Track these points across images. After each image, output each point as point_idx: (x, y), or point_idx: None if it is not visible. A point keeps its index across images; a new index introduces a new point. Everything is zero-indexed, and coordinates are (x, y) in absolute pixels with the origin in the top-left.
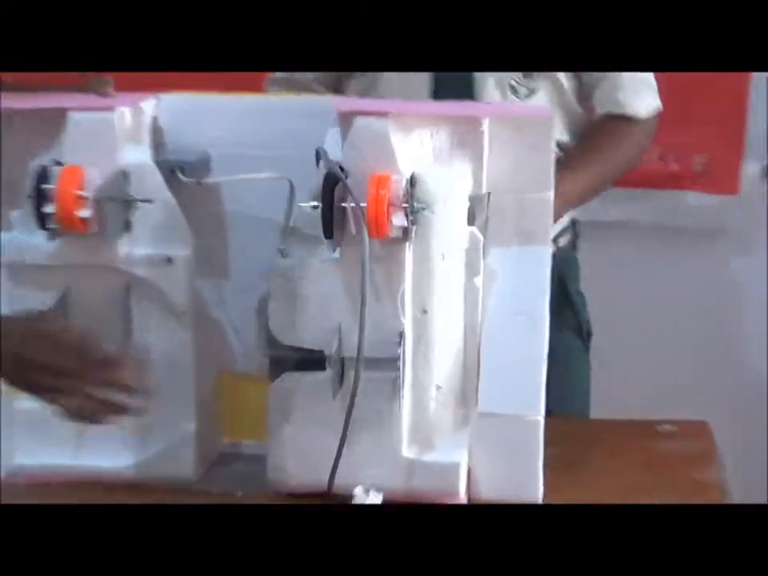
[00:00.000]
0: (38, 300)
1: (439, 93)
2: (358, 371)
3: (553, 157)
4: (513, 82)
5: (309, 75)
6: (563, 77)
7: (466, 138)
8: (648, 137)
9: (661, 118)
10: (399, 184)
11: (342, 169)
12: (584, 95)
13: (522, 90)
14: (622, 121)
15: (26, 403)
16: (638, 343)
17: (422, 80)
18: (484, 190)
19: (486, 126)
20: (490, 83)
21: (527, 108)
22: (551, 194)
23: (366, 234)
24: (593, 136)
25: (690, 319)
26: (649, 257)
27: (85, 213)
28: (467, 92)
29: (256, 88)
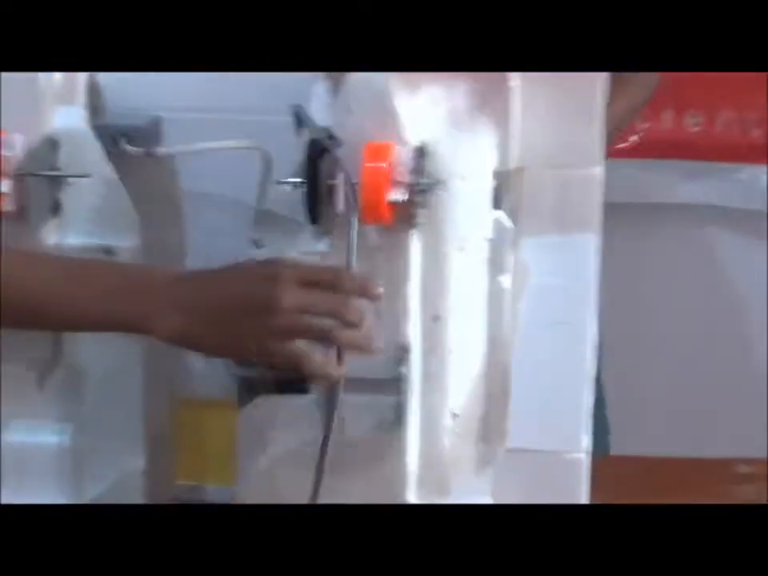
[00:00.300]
0: None
1: None
2: (336, 392)
3: (603, 122)
4: None
5: None
6: None
7: (491, 98)
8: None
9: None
10: (403, 155)
11: (330, 136)
12: None
13: None
14: None
15: None
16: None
17: None
18: (514, 165)
19: (516, 81)
20: None
21: None
22: (600, 170)
23: (355, 218)
24: None
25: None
26: (717, 246)
27: (6, 205)
28: None
29: None
